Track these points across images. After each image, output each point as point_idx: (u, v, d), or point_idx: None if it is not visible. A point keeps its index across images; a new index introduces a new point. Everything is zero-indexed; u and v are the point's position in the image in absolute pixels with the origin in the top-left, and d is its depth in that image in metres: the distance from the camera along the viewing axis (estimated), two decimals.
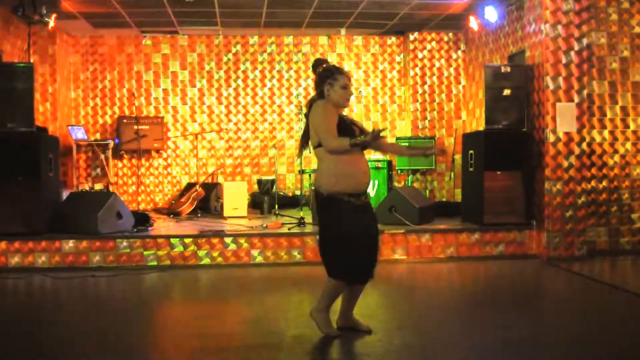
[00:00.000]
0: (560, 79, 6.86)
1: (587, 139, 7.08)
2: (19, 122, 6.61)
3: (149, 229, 7.13)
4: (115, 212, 6.81)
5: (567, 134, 6.87)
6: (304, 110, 4.70)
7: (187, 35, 10.06)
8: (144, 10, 8.55)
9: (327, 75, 4.03)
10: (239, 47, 10.20)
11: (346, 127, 3.93)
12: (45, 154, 6.74)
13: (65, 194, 7.77)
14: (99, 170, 9.83)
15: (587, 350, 3.86)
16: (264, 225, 7.34)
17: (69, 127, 9.36)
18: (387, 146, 5.19)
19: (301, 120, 8.01)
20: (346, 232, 3.86)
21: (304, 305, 4.90)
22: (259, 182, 9.20)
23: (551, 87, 6.86)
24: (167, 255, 6.61)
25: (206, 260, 6.66)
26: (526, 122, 7.19)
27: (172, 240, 6.65)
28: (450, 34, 9.99)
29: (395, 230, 6.95)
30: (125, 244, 6.61)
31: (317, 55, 10.24)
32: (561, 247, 6.83)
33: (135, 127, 9.42)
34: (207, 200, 9.13)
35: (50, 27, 8.16)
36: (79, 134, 9.39)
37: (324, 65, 4.08)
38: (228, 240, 6.71)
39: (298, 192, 9.49)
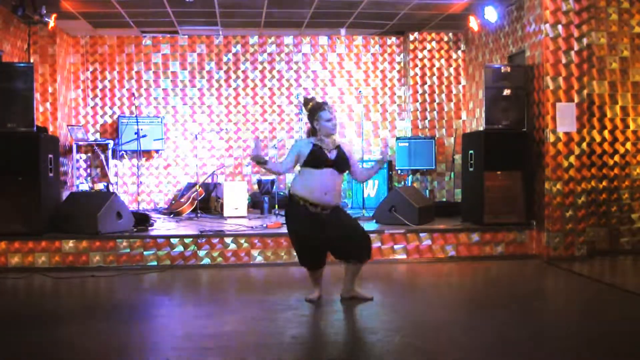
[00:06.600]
0: (560, 79, 6.86)
1: (587, 139, 7.08)
2: (19, 122, 6.62)
3: (149, 229, 7.13)
4: (115, 212, 6.82)
5: (567, 134, 6.87)
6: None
7: (187, 36, 10.06)
8: (144, 10, 8.55)
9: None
10: (239, 47, 10.20)
11: (315, 158, 4.63)
12: (45, 154, 6.74)
13: (65, 194, 7.78)
14: (99, 170, 9.84)
15: (587, 350, 3.86)
16: (264, 225, 7.34)
17: (69, 127, 9.36)
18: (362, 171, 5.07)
19: (301, 120, 8.01)
20: (291, 230, 4.81)
21: (304, 305, 4.90)
22: (259, 182, 9.20)
23: (551, 87, 6.85)
24: (167, 255, 6.61)
25: (206, 260, 6.65)
26: (526, 122, 7.19)
27: (172, 240, 6.65)
28: (450, 34, 9.99)
29: (395, 230, 6.95)
30: (125, 244, 6.61)
31: (317, 56, 10.26)
32: (561, 247, 6.82)
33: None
34: (207, 200, 9.14)
35: (50, 27, 8.16)
36: (79, 134, 9.39)
37: (311, 104, 4.79)
38: (228, 240, 6.71)
39: None
